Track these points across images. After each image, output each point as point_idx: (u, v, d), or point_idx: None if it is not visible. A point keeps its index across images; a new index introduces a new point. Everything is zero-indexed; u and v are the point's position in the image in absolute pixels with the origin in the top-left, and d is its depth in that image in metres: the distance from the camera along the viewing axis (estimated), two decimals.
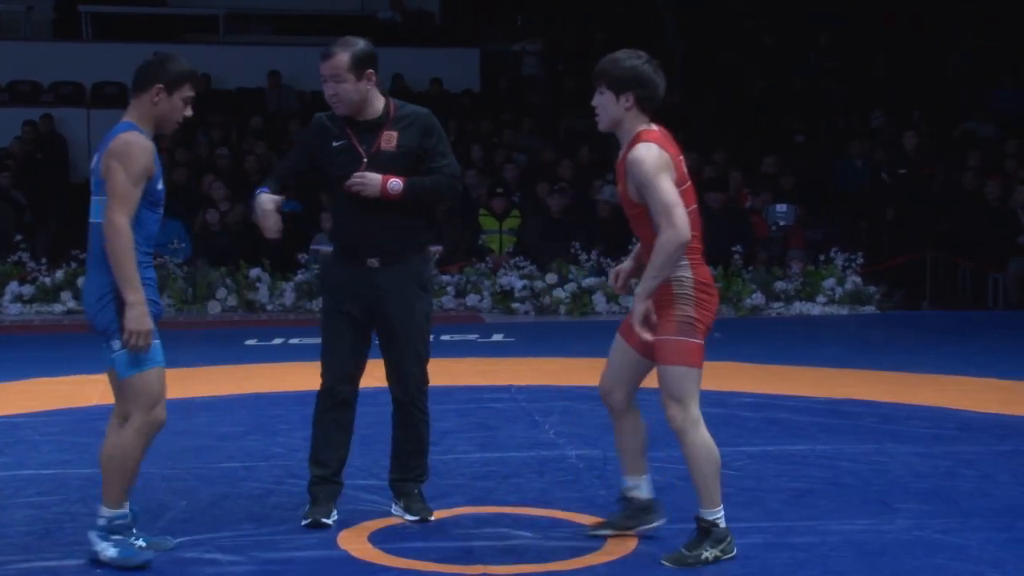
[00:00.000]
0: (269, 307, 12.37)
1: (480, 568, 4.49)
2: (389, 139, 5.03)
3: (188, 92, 4.52)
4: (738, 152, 15.69)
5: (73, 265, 12.39)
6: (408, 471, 5.24)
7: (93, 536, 4.53)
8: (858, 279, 12.58)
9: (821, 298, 12.45)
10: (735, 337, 10.80)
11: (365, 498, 5.39)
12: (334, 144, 5.05)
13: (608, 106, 4.52)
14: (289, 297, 12.39)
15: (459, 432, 6.74)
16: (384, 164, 4.99)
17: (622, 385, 4.69)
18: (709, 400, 7.59)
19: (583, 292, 12.41)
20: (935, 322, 11.95)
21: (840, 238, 13.92)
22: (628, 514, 4.78)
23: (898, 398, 7.70)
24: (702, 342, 4.50)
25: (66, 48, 17.81)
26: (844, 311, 12.34)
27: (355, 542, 4.79)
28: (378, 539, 4.83)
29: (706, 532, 4.51)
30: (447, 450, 6.29)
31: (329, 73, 4.97)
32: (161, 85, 4.46)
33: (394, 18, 18.90)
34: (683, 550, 4.50)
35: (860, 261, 12.74)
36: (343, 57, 4.95)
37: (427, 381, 5.20)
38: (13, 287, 12.42)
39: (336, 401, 5.09)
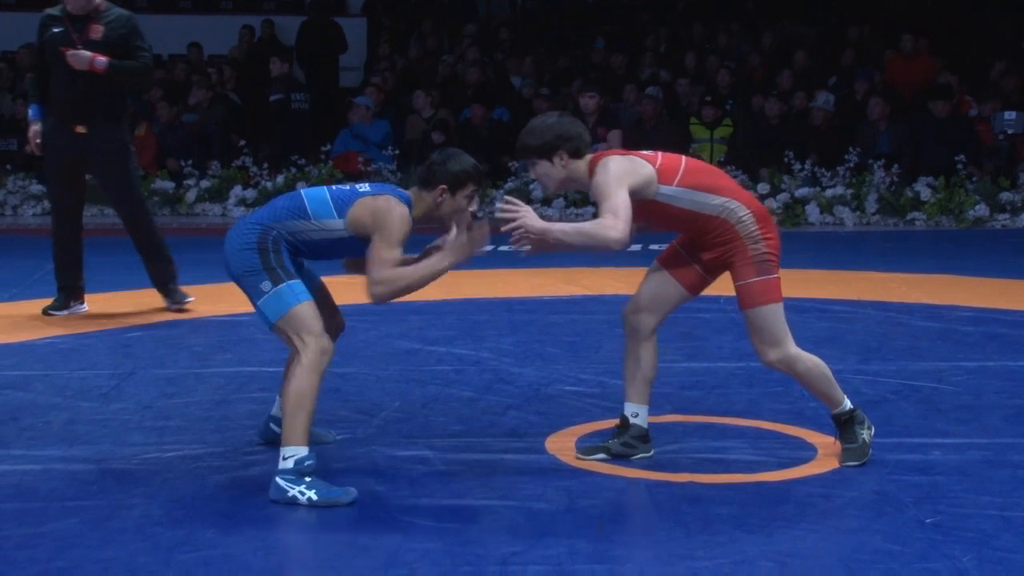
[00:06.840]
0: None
1: (687, 476, 4.48)
2: (96, 31, 7.07)
3: (470, 189, 4.47)
4: (962, 60, 15.03)
5: (293, 170, 12.74)
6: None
7: (281, 483, 4.15)
8: None
9: None
10: (954, 250, 10.45)
11: (574, 404, 5.44)
12: (55, 31, 7.09)
13: (548, 173, 4.48)
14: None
15: (666, 341, 6.64)
16: (92, 49, 7.01)
17: (655, 314, 4.69)
18: (926, 313, 7.47)
19: (795, 202, 12.15)
20: None
21: None
22: (625, 440, 4.70)
23: None
24: (778, 275, 4.50)
25: None
26: None
27: (562, 447, 4.83)
28: (585, 444, 4.86)
29: (848, 421, 4.60)
30: None
31: None
32: (444, 186, 4.43)
33: None
34: (846, 446, 4.59)
35: None
36: None
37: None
38: (237, 191, 12.85)
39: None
